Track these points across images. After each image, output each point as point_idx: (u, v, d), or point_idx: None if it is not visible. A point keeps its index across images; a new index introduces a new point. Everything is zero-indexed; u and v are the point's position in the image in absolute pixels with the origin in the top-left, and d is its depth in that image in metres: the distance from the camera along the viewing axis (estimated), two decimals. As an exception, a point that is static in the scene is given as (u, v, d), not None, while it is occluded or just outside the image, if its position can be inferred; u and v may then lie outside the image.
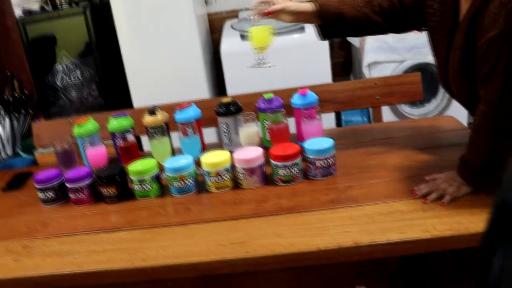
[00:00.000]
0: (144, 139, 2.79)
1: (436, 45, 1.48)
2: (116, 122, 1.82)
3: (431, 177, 1.41)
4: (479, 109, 1.29)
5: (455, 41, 1.34)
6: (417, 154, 1.64)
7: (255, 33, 1.64)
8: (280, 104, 1.76)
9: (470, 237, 1.20)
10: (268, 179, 1.57)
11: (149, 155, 1.71)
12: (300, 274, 1.44)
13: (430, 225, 1.24)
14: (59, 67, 3.23)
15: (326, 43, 3.06)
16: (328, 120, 3.13)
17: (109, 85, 3.32)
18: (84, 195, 1.62)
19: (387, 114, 3.13)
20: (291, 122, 1.72)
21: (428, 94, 3.18)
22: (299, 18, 1.62)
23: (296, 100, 1.73)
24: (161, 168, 1.62)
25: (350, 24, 1.58)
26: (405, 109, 3.21)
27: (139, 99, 3.20)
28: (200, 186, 1.60)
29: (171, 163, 1.57)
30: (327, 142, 1.54)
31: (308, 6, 1.59)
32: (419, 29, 1.59)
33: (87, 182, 1.62)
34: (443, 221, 1.25)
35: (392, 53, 3.07)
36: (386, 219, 1.28)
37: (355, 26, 1.59)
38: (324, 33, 1.66)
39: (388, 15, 1.56)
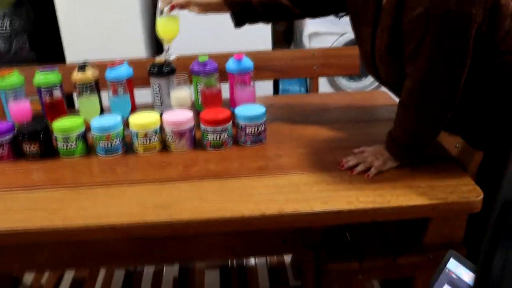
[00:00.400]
0: (76, 97, 2.70)
1: (360, 31, 1.48)
2: (43, 76, 1.74)
3: (359, 149, 1.43)
4: (405, 85, 1.31)
5: (380, 23, 1.35)
6: (348, 127, 1.66)
7: (161, 25, 1.63)
8: (214, 67, 1.72)
9: (391, 210, 1.23)
10: (197, 144, 1.55)
11: (77, 112, 1.65)
12: (225, 239, 1.43)
13: (354, 197, 1.26)
14: (-14, 16, 3.05)
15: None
16: (265, 88, 3.13)
17: (41, 38, 3.18)
18: (4, 151, 1.54)
19: (324, 86, 3.16)
20: (225, 88, 1.70)
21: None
22: (207, 8, 1.60)
23: (231, 64, 1.71)
24: (88, 127, 1.57)
25: (259, 11, 1.58)
26: (342, 82, 3.24)
27: (72, 54, 3.08)
28: (128, 147, 1.56)
29: (98, 122, 1.52)
30: (259, 109, 1.53)
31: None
32: (337, 15, 1.60)
33: (8, 137, 1.54)
34: (366, 193, 1.27)
35: (333, 25, 3.07)
36: (311, 189, 1.29)
37: (266, 12, 1.59)
38: (237, 21, 1.63)
39: (300, 1, 1.55)
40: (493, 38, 1.26)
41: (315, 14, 1.64)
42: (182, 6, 1.57)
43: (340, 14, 1.58)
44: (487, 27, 1.22)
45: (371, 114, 1.83)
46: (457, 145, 1.50)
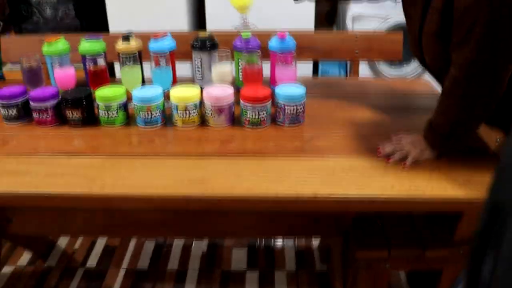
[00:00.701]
0: (118, 67, 2.74)
1: (409, 11, 1.45)
2: (88, 44, 1.77)
3: (397, 136, 1.41)
4: (449, 72, 1.28)
5: (431, 5, 1.32)
6: (387, 113, 1.64)
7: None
8: (257, 45, 1.72)
9: (425, 202, 1.22)
10: (236, 120, 1.56)
11: (119, 82, 1.68)
12: (257, 217, 1.45)
13: (389, 185, 1.25)
14: (35, -19, 3.10)
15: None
16: (305, 68, 3.11)
17: (86, 6, 3.22)
18: (48, 116, 1.58)
19: (364, 71, 3.12)
20: (267, 66, 1.70)
21: (408, 55, 3.17)
22: None
23: (273, 43, 1.70)
24: (130, 97, 1.59)
25: None
26: (384, 68, 3.20)
27: (116, 24, 3.12)
28: (167, 119, 1.58)
29: (139, 92, 1.54)
30: (299, 89, 1.52)
31: None
32: None
33: (52, 102, 1.58)
34: (402, 182, 1.26)
35: (377, 8, 3.03)
36: (347, 174, 1.29)
37: None
38: None
39: None
40: None
41: None
42: None
43: None
44: None
45: (411, 102, 1.80)
46: (498, 140, 1.47)
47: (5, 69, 2.77)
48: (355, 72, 2.34)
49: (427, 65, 1.46)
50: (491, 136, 1.47)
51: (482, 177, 1.29)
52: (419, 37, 1.40)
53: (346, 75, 3.30)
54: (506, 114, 1.36)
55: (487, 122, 1.43)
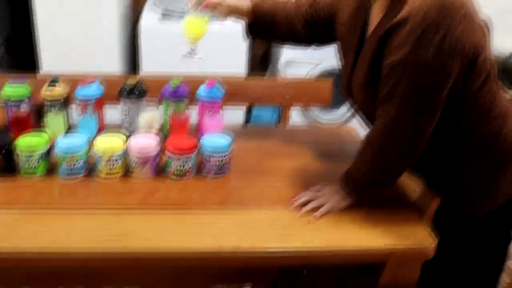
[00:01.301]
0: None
1: (344, 55, 1.51)
2: (11, 89, 1.72)
3: (315, 187, 1.44)
4: (374, 124, 1.33)
5: (362, 55, 1.37)
6: (314, 162, 1.67)
7: (191, 23, 1.61)
8: (186, 93, 1.73)
9: (345, 254, 1.24)
10: (160, 170, 1.55)
11: (43, 128, 1.63)
12: (179, 269, 1.43)
13: (310, 237, 1.27)
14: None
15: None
16: (237, 112, 3.14)
17: (18, 42, 3.15)
18: (-37, 164, 1.52)
19: (296, 115, 3.18)
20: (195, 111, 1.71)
21: (340, 99, 3.26)
22: (234, 12, 1.60)
23: (202, 91, 1.71)
24: (53, 145, 1.55)
25: (278, 28, 1.61)
26: (315, 111, 3.27)
27: (47, 60, 3.06)
28: (91, 168, 1.55)
29: (63, 141, 1.51)
30: (225, 140, 1.53)
31: (244, 3, 1.59)
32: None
33: (-32, 150, 1.52)
34: (321, 235, 1.28)
35: (310, 53, 3.10)
36: (269, 226, 1.30)
37: (282, 32, 1.62)
38: (251, 31, 1.66)
39: (310, 27, 1.59)
40: (468, 91, 1.28)
41: (320, 42, 1.67)
42: (214, 6, 1.56)
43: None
44: (462, 81, 1.25)
45: (339, 150, 1.84)
46: (416, 190, 1.53)
47: None
48: (285, 118, 2.38)
49: (357, 107, 1.50)
50: (411, 186, 1.53)
51: (402, 227, 1.33)
52: (350, 81, 1.45)
53: (279, 120, 3.36)
54: (426, 162, 1.42)
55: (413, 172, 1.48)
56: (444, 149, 1.38)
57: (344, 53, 1.51)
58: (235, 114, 3.00)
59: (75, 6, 2.98)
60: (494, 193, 1.41)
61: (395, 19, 1.22)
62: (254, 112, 3.36)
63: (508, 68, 4.02)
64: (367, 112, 1.43)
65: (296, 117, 3.08)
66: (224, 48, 3.03)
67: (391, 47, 1.25)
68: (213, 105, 1.66)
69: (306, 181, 1.50)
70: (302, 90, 2.33)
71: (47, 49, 3.05)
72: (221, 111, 1.67)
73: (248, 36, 1.68)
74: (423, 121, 1.26)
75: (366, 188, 1.35)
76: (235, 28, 3.10)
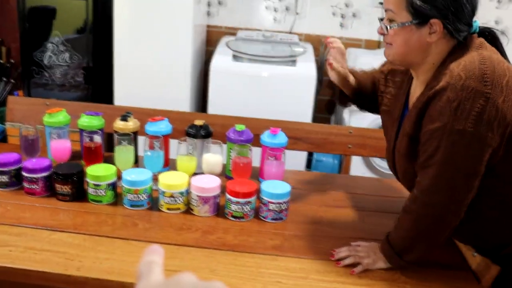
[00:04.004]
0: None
1: (387, 129, 1.52)
2: (87, 120, 1.83)
3: (356, 243, 1.44)
4: (412, 191, 1.33)
5: (403, 127, 1.38)
6: (369, 216, 1.67)
7: (182, 161, 1.68)
8: (250, 138, 1.78)
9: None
10: (220, 210, 1.59)
11: (113, 158, 1.71)
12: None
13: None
14: (49, 45, 3.21)
15: (314, 80, 3.10)
16: (299, 155, 3.16)
17: (95, 74, 3.32)
18: (37, 187, 1.62)
19: (358, 162, 3.17)
20: (258, 154, 1.76)
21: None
22: (340, 83, 1.62)
23: (265, 137, 1.76)
24: (120, 175, 1.63)
25: (367, 100, 1.67)
26: (377, 160, 3.25)
27: (121, 92, 3.21)
28: (154, 201, 1.61)
29: (129, 174, 1.58)
30: (284, 187, 1.56)
31: (352, 80, 1.63)
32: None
33: (43, 174, 1.62)
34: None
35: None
36: (319, 278, 1.31)
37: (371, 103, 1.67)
38: (342, 101, 1.73)
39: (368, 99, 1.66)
40: (510, 164, 1.27)
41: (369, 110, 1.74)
42: (332, 69, 1.58)
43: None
44: (504, 152, 1.24)
45: (397, 205, 1.83)
46: (475, 254, 1.49)
47: (8, 125, 2.82)
48: (347, 166, 2.39)
49: (398, 178, 1.50)
50: (469, 250, 1.50)
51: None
52: (393, 155, 1.46)
53: (340, 164, 3.36)
54: (476, 233, 1.40)
55: (458, 238, 1.46)
56: (499, 220, 1.35)
57: (387, 125, 1.53)
58: (296, 157, 3.03)
59: (153, 41, 3.13)
60: None
61: (435, 89, 1.24)
62: (316, 155, 3.38)
63: None
64: (409, 183, 1.42)
65: (356, 164, 3.07)
66: (293, 91, 3.09)
67: (430, 116, 1.26)
68: (275, 152, 1.70)
69: (360, 236, 1.50)
70: (365, 140, 2.33)
71: (121, 80, 3.20)
72: (283, 158, 1.70)
73: (339, 104, 1.76)
74: (459, 190, 1.25)
75: (404, 251, 1.34)
76: (304, 72, 3.18)
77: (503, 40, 1.36)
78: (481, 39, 1.31)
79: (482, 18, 1.33)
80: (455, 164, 1.23)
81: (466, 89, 1.18)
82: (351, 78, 1.62)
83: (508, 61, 1.29)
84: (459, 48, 1.29)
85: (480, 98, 1.18)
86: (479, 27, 1.32)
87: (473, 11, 1.29)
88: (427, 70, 1.34)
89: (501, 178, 1.29)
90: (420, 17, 1.27)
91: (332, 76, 1.59)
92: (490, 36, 1.34)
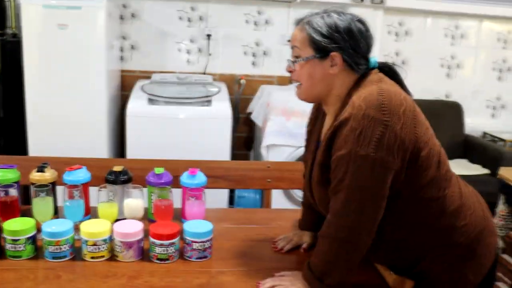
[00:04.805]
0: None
1: (306, 162, 1.62)
2: (1, 173, 1.79)
3: (279, 274, 1.49)
4: (327, 217, 1.41)
5: (317, 157, 1.48)
6: (294, 248, 1.72)
7: (102, 209, 1.69)
8: (169, 180, 1.81)
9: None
10: (145, 254, 1.60)
11: (30, 212, 1.68)
12: None
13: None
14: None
15: (230, 118, 3.17)
16: (221, 193, 3.21)
17: (6, 124, 3.24)
18: (-49, 247, 1.56)
19: (279, 195, 3.26)
20: (179, 195, 1.79)
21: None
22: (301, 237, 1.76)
23: (185, 179, 1.79)
24: (39, 228, 1.60)
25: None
26: (297, 192, 3.35)
27: (35, 142, 3.14)
28: (76, 251, 1.59)
29: (49, 226, 1.56)
30: (206, 226, 1.59)
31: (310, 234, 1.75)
32: None
33: (-44, 233, 1.56)
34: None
35: (291, 138, 3.23)
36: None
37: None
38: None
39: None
40: (417, 185, 1.38)
41: None
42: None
43: None
44: (406, 175, 1.35)
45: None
46: (391, 272, 1.58)
47: None
48: (268, 200, 2.46)
49: (316, 205, 1.58)
50: (386, 269, 1.59)
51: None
52: (310, 183, 1.55)
53: (262, 199, 3.43)
54: (387, 253, 1.49)
55: (372, 258, 1.55)
56: (405, 241, 1.45)
57: (306, 157, 1.63)
58: (218, 194, 3.07)
59: (66, 88, 3.10)
60: (461, 280, 1.47)
61: (340, 119, 1.35)
62: (237, 192, 3.43)
63: (482, 148, 4.18)
64: (325, 209, 1.49)
65: (278, 197, 3.15)
66: (210, 130, 3.15)
67: (337, 144, 1.36)
68: (195, 192, 1.73)
69: (286, 268, 1.55)
70: (283, 173, 2.42)
71: (35, 130, 3.14)
72: (203, 197, 1.74)
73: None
74: (368, 211, 1.34)
75: (324, 276, 1.40)
76: (220, 111, 3.26)
77: (402, 73, 1.49)
78: (381, 74, 1.43)
79: (383, 51, 1.46)
80: (362, 187, 1.32)
81: (366, 118, 1.29)
82: (307, 234, 1.75)
83: (408, 92, 1.42)
84: (361, 82, 1.41)
85: (379, 126, 1.28)
86: (378, 63, 1.45)
87: (368, 46, 1.43)
88: (334, 103, 1.45)
89: (405, 201, 1.39)
90: (321, 51, 1.39)
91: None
92: (390, 71, 1.47)
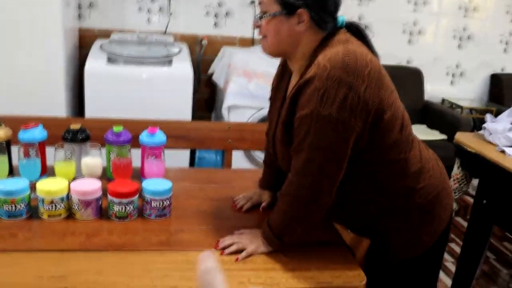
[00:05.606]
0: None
1: (270, 119, 1.62)
2: (-47, 131, 1.74)
3: (239, 231, 1.51)
4: (288, 175, 1.43)
5: (281, 115, 1.48)
6: (253, 207, 1.74)
7: (60, 167, 1.67)
8: (128, 139, 1.79)
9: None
10: (103, 212, 1.59)
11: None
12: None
13: (246, 278, 1.33)
14: None
15: (191, 79, 3.14)
16: (182, 154, 3.20)
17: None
18: None
19: (239, 157, 3.27)
20: (138, 155, 1.77)
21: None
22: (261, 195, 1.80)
23: (144, 137, 1.77)
24: (-6, 188, 1.57)
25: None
26: (257, 153, 3.37)
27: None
28: (33, 210, 1.57)
29: (4, 185, 1.53)
30: (165, 184, 1.59)
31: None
32: None
33: None
34: (258, 274, 1.35)
35: (252, 99, 3.23)
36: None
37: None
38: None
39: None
40: (379, 147, 1.39)
41: None
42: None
43: None
44: (369, 136, 1.36)
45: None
46: (349, 231, 1.62)
47: None
48: (228, 161, 2.46)
49: (279, 163, 1.60)
50: (344, 228, 1.62)
51: (333, 266, 1.41)
52: (273, 140, 1.55)
53: (222, 160, 3.43)
54: (345, 212, 1.52)
55: (330, 217, 1.58)
56: (366, 201, 1.48)
57: (270, 116, 1.63)
58: (179, 155, 3.06)
59: (22, 47, 3.00)
60: (416, 241, 1.51)
61: (304, 78, 1.34)
62: (198, 153, 3.43)
63: (441, 114, 4.27)
64: (287, 168, 1.51)
65: (238, 159, 3.16)
66: (170, 91, 3.12)
67: (300, 103, 1.36)
68: (155, 150, 1.72)
69: (245, 225, 1.57)
70: (244, 134, 2.42)
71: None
72: (163, 156, 1.73)
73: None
74: (329, 171, 1.36)
75: (283, 233, 1.43)
76: (181, 72, 3.22)
77: (369, 33, 1.49)
78: (348, 34, 1.42)
79: (346, 14, 1.45)
80: (324, 147, 1.33)
81: (331, 79, 1.28)
82: (267, 193, 1.78)
83: (375, 53, 1.42)
84: (328, 41, 1.39)
85: (343, 87, 1.28)
86: (346, 22, 1.44)
87: (336, 4, 1.40)
88: (299, 60, 1.44)
89: (367, 162, 1.41)
90: (288, 8, 1.37)
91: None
92: (357, 30, 1.46)
